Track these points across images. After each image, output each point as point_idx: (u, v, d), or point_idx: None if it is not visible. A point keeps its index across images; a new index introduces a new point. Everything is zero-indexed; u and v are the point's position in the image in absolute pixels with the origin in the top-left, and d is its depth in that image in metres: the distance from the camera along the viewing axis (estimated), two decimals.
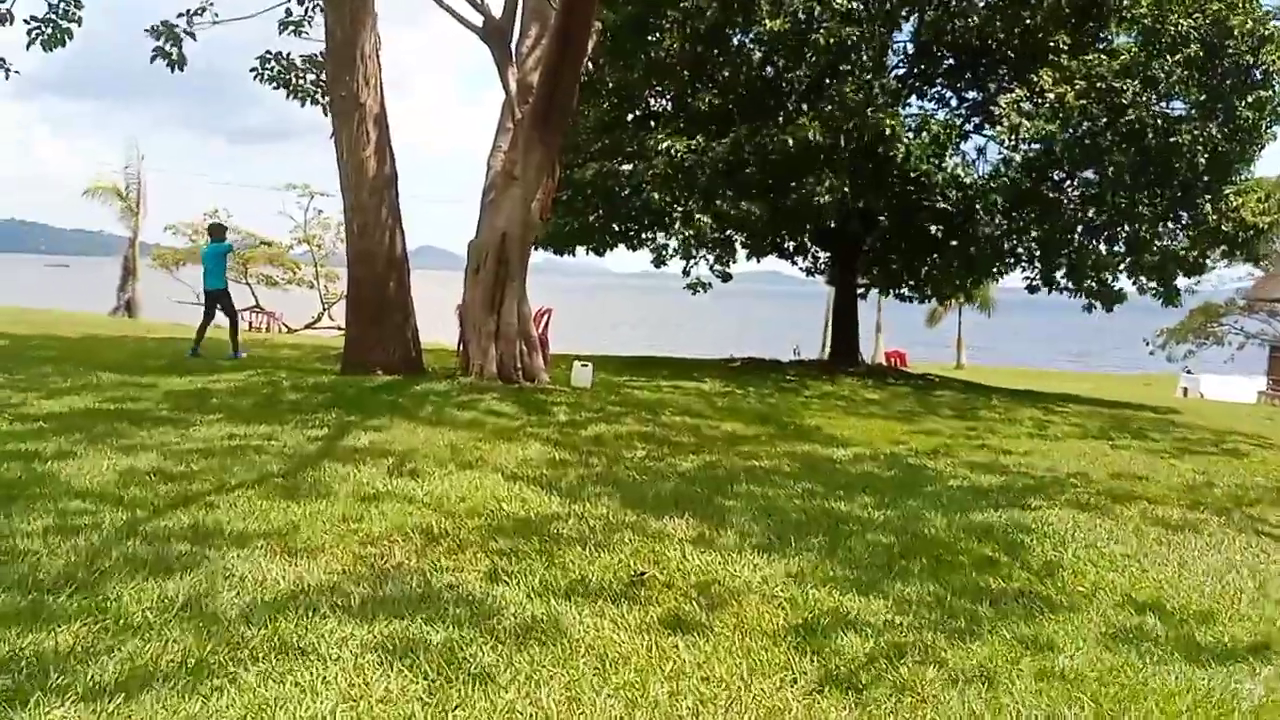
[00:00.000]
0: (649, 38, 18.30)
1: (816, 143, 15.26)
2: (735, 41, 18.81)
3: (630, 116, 20.61)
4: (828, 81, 16.65)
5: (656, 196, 16.22)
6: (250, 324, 43.02)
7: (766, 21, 15.81)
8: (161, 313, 44.13)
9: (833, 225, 17.86)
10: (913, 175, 15.77)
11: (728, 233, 17.14)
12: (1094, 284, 18.67)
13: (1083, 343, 77.24)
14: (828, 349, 43.05)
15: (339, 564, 4.78)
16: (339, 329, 41.78)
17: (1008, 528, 6.38)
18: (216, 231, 15.77)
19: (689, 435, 9.40)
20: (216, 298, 14.64)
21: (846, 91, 15.72)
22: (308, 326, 42.99)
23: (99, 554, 4.59)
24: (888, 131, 15.05)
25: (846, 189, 15.41)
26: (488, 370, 11.58)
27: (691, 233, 16.37)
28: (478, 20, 12.25)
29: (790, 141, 15.04)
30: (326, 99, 15.98)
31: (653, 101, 20.83)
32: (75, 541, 4.75)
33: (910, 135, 15.77)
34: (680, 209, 16.60)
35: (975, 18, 17.49)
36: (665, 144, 16.05)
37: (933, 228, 18.09)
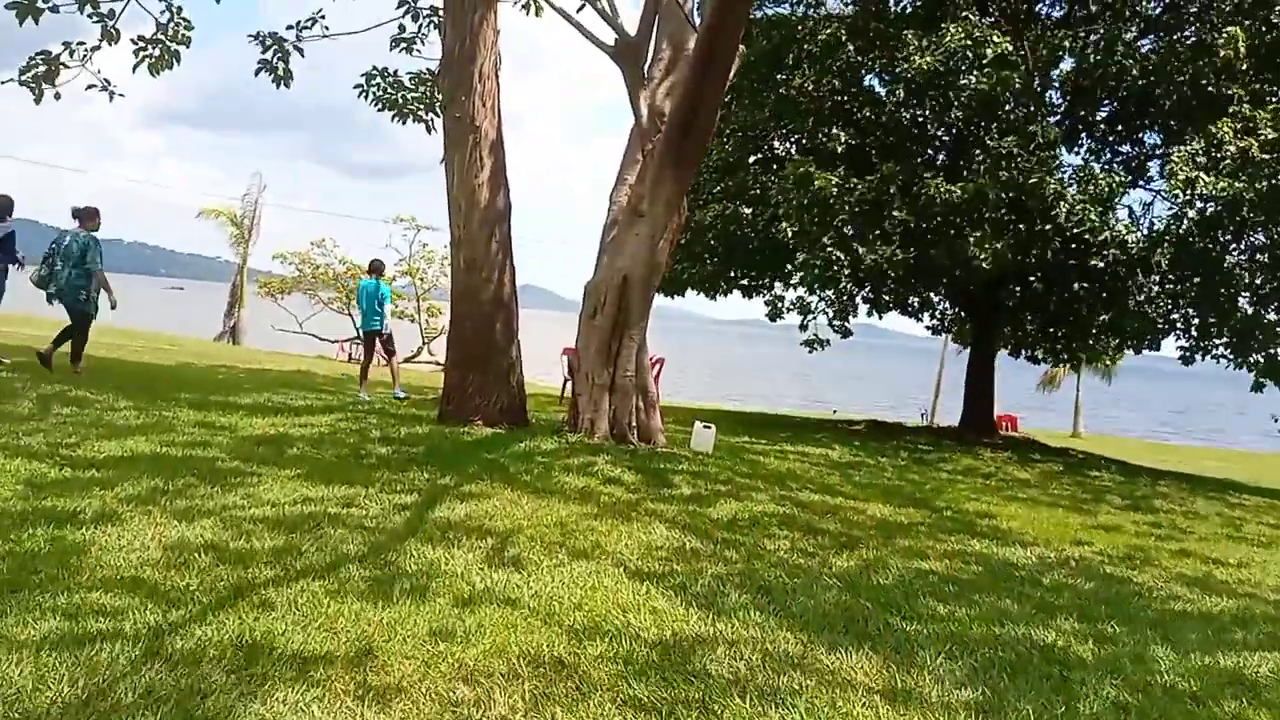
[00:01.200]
0: (779, 75, 17.12)
1: (974, 195, 13.81)
2: (875, 80, 17.53)
3: (753, 159, 19.44)
4: (978, 126, 15.19)
5: (786, 226, 14.91)
6: (349, 355, 42.87)
7: (915, 58, 14.44)
8: (263, 340, 44.30)
9: (971, 283, 16.31)
10: (1073, 232, 14.16)
11: (859, 276, 15.61)
12: (1260, 358, 16.69)
13: (1180, 412, 73.56)
14: (936, 412, 41.15)
15: (422, 716, 3.51)
16: (437, 364, 41.41)
17: (1272, 680, 4.85)
18: (376, 269, 14.84)
19: (834, 521, 7.97)
20: (375, 337, 14.17)
21: (1001, 141, 14.24)
22: (406, 360, 42.63)
23: (105, 687, 3.39)
24: (1051, 186, 13.50)
25: (1010, 252, 13.90)
26: (599, 428, 10.33)
27: (818, 264, 14.89)
28: (609, 39, 11.15)
29: (958, 193, 13.62)
30: (434, 118, 15.21)
31: (777, 144, 19.62)
32: (79, 662, 3.57)
33: (1072, 190, 14.17)
34: (812, 242, 15.20)
35: (1137, 62, 15.87)
36: (801, 170, 14.78)
37: (1081, 288, 16.36)
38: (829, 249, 14.67)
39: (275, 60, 13.68)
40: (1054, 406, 51.78)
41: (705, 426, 10.91)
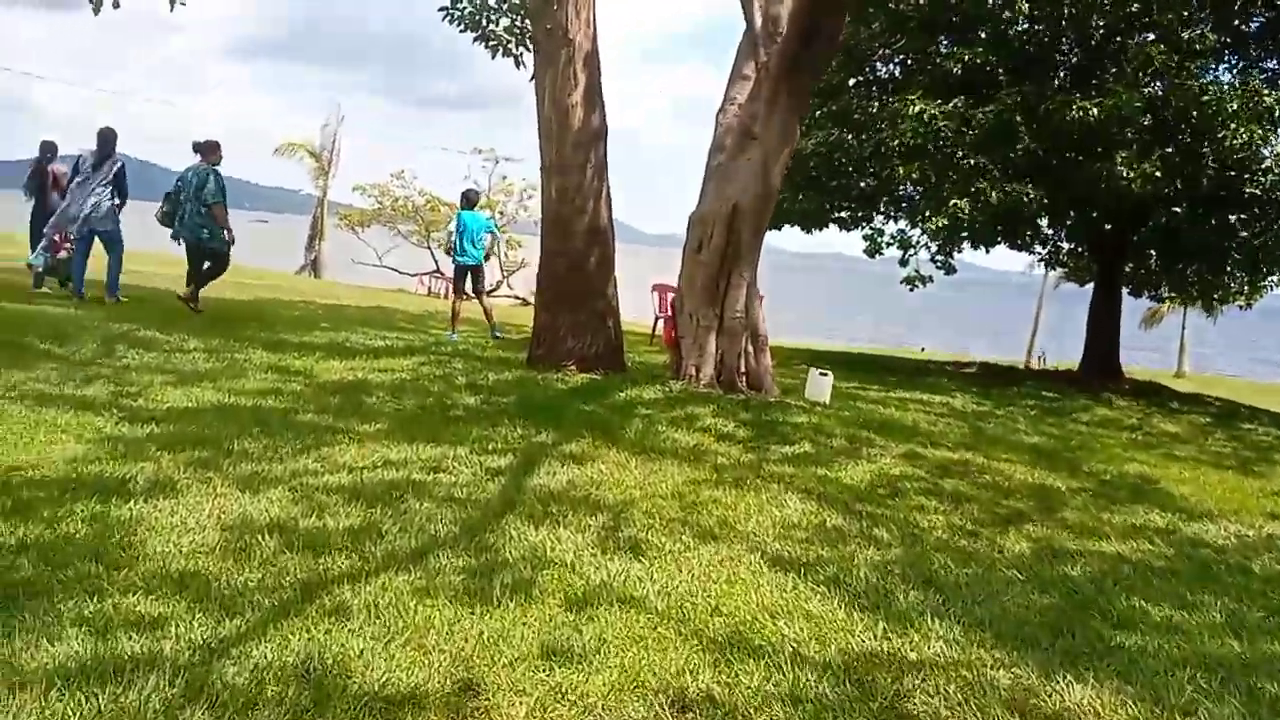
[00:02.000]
0: None
1: (1114, 112, 12.34)
2: None
3: (852, 81, 17.97)
4: (1121, 34, 13.64)
5: (902, 172, 13.63)
6: (429, 289, 42.43)
7: None
8: (343, 274, 44.06)
9: (1112, 213, 14.85)
10: (1237, 156, 12.64)
11: (991, 216, 14.21)
12: None
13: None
14: (1033, 353, 39.26)
15: None
16: (518, 299, 40.75)
17: None
18: (471, 199, 13.72)
19: (981, 488, 6.90)
20: (474, 273, 13.01)
21: (1152, 51, 12.71)
22: (488, 294, 42.13)
23: None
24: (1212, 103, 11.99)
25: (1159, 172, 12.45)
26: (705, 374, 9.35)
27: (944, 221, 13.61)
28: None
29: (1095, 112, 12.17)
30: (523, 52, 14.15)
31: (880, 66, 18.12)
32: (99, 710, 2.74)
33: (1233, 106, 12.60)
34: (932, 191, 13.89)
35: None
36: (916, 108, 13.41)
37: (1238, 218, 14.80)
38: (953, 202, 13.35)
39: None
40: (1145, 345, 49.35)
41: (821, 373, 9.86)
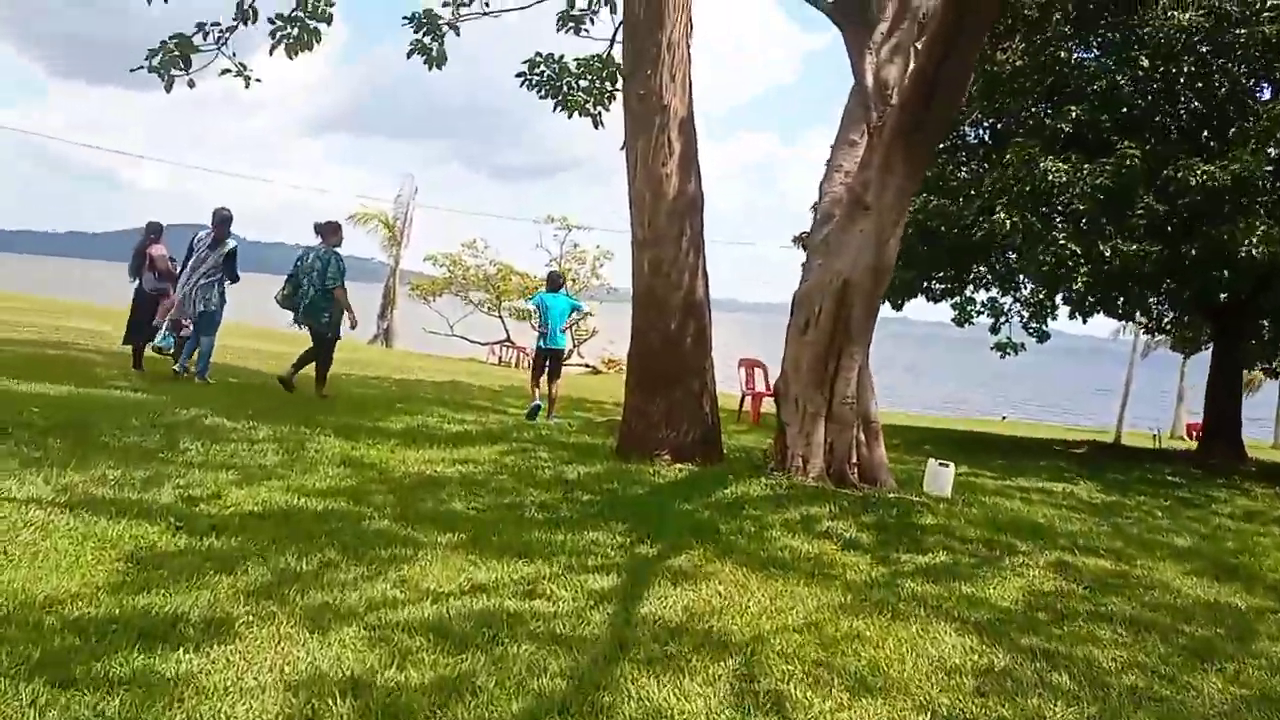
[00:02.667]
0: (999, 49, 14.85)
1: (1241, 177, 11.42)
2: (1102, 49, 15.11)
3: (941, 145, 17.19)
4: (1246, 91, 12.71)
5: (1004, 218, 12.75)
6: (500, 358, 42.13)
7: (1175, 14, 12.08)
8: (415, 342, 44.00)
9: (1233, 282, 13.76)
10: None
11: (1099, 275, 13.21)
12: None
13: None
14: (1124, 422, 37.49)
15: None
16: (588, 367, 40.28)
17: None
18: (556, 281, 13.20)
19: (1154, 609, 5.93)
20: (554, 358, 12.33)
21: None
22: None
23: None
24: None
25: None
26: (813, 465, 8.50)
27: (1047, 261, 12.67)
28: None
29: (1223, 177, 11.27)
30: (601, 111, 13.69)
31: (969, 130, 17.34)
32: None
33: None
34: (1036, 236, 12.96)
35: None
36: (1026, 155, 12.61)
37: None
38: (1061, 242, 12.44)
39: (429, 41, 12.38)
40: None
41: (941, 464, 8.94)
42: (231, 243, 11.94)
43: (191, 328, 12.09)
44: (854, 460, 8.65)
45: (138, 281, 12.43)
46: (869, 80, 8.51)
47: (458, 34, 12.38)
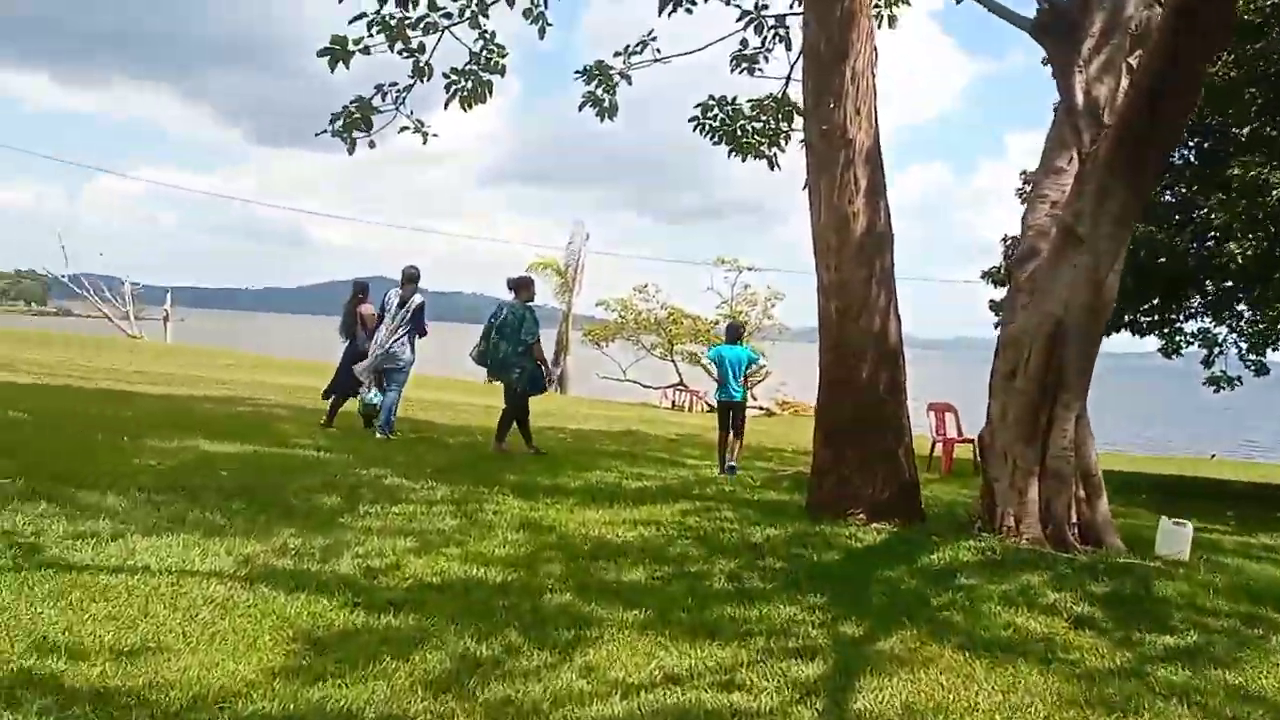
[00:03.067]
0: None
1: None
2: None
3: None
4: None
5: (1234, 249, 11.57)
6: (673, 402, 41.92)
7: None
8: (587, 388, 44.30)
9: None
10: None
11: None
12: None
13: None
14: None
15: None
16: (762, 409, 39.56)
17: None
18: (735, 333, 12.69)
19: None
20: (736, 409, 11.80)
21: None
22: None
23: None
24: None
25: None
26: (1026, 526, 7.69)
27: None
28: (1028, 10, 8.61)
29: None
30: (776, 153, 13.25)
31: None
32: None
33: None
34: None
35: None
36: (1252, 175, 11.44)
37: None
38: None
39: (601, 93, 12.25)
40: None
41: (1176, 523, 7.94)
42: (419, 298, 12.17)
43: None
44: (1074, 519, 7.79)
45: (349, 342, 12.79)
46: (1079, 99, 7.73)
47: (629, 83, 12.20)
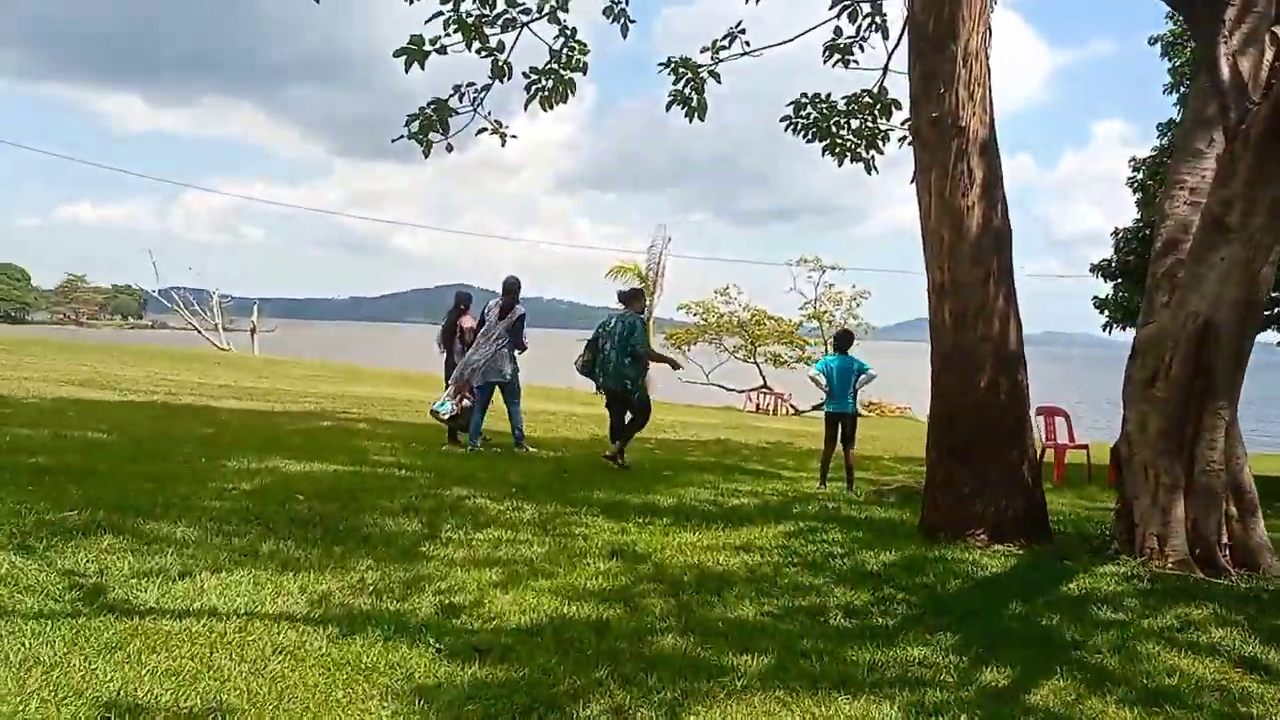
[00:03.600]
0: None
1: None
2: None
3: None
4: None
5: None
6: (757, 405, 41.18)
7: None
8: (671, 392, 43.74)
9: None
10: None
11: None
12: None
13: None
14: None
15: None
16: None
17: None
18: (845, 341, 11.70)
19: None
20: (846, 423, 11.06)
21: None
22: (815, 408, 40.11)
23: None
24: None
25: None
26: (1172, 548, 6.91)
27: None
28: None
29: None
30: (874, 155, 12.60)
31: None
32: None
33: None
34: None
35: None
36: None
37: None
38: None
39: (688, 90, 11.71)
40: None
41: None
42: (520, 309, 11.93)
43: (472, 398, 12.04)
44: (1225, 540, 7.00)
45: (446, 353, 12.68)
46: (1224, 73, 6.93)
47: (718, 81, 11.64)
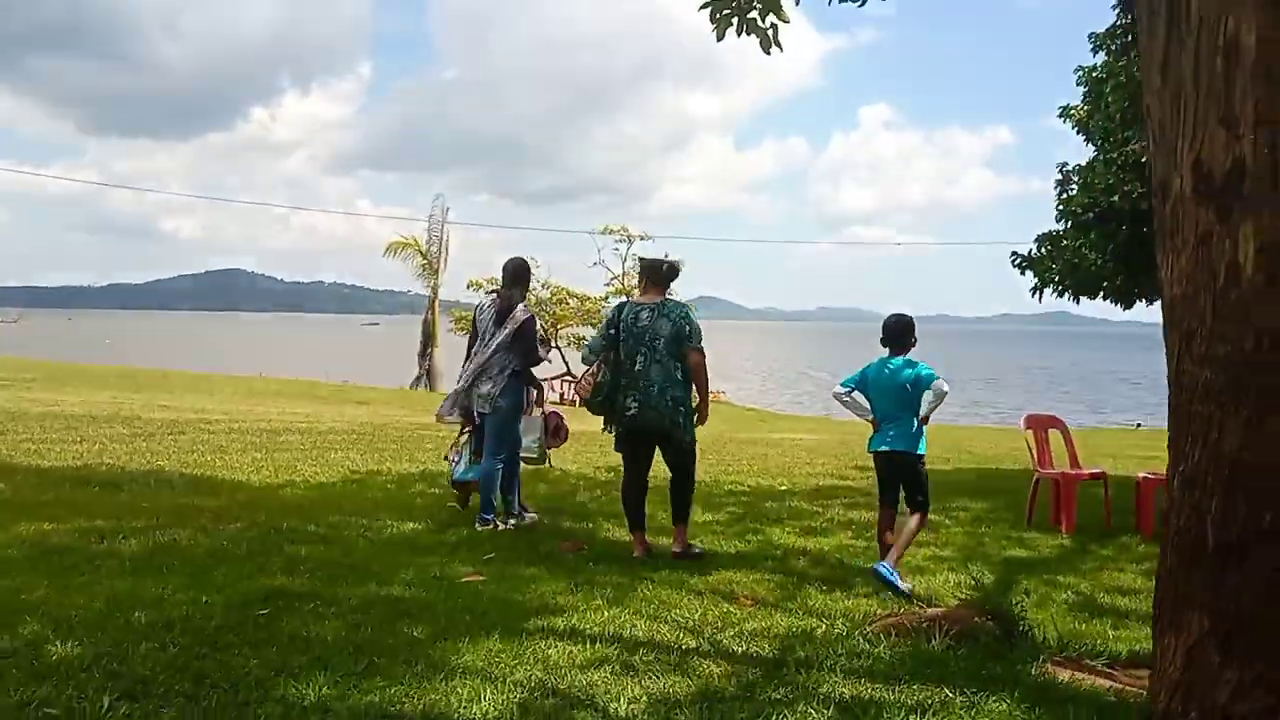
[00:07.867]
0: None
1: None
2: None
3: None
4: None
5: None
6: (561, 396, 36.94)
7: None
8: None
9: None
10: None
11: None
12: None
13: None
14: None
15: None
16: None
17: None
18: (901, 333, 6.75)
19: None
20: (904, 467, 6.65)
21: None
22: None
23: None
24: None
25: None
26: None
27: None
28: None
29: None
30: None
31: None
32: None
33: None
34: None
35: None
36: None
37: None
38: None
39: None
40: None
41: None
42: (523, 310, 7.80)
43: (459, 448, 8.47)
44: None
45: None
46: None
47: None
